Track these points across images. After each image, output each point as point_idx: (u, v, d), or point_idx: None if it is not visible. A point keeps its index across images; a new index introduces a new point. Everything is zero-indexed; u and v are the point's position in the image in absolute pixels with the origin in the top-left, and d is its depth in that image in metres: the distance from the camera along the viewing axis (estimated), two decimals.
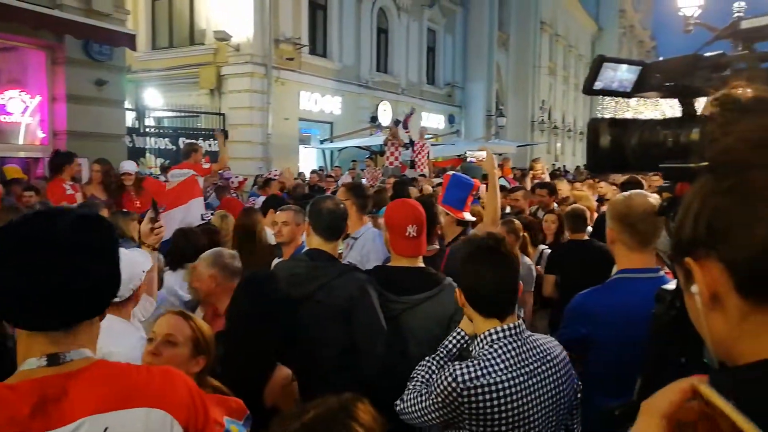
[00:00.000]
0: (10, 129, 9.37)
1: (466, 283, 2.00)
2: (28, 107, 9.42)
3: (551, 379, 1.93)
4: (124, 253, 2.19)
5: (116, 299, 2.06)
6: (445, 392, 1.84)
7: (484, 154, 3.74)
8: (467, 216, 3.68)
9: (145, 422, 1.27)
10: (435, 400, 1.88)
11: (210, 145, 14.86)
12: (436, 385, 1.88)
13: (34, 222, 1.26)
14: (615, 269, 2.37)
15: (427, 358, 2.16)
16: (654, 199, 2.17)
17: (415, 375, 2.12)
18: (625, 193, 2.38)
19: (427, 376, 2.07)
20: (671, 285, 1.02)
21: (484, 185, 4.88)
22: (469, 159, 6.73)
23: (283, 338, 2.59)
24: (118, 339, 2.01)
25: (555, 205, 6.13)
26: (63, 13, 8.78)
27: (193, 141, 10.77)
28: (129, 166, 6.93)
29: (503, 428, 1.83)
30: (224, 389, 1.93)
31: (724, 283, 0.62)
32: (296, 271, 2.73)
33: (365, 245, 3.72)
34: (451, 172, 5.08)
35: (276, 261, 3.61)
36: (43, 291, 1.20)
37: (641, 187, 4.78)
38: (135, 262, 2.21)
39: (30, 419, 1.16)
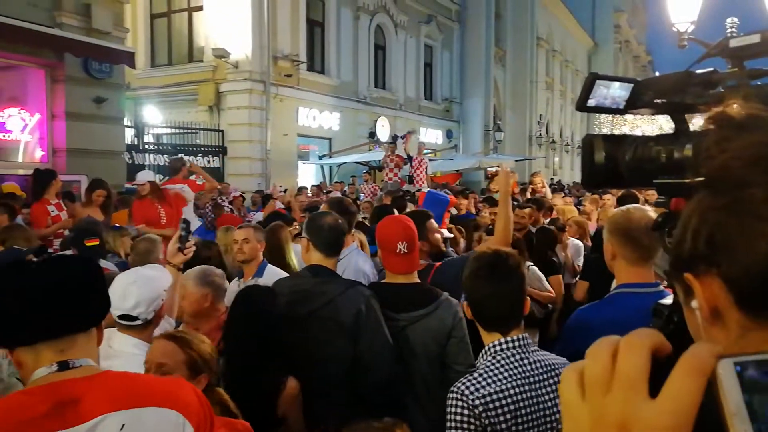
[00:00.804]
0: (10, 147, 9.40)
1: (470, 297, 2.02)
2: (27, 125, 9.45)
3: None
4: (143, 275, 2.19)
5: (138, 321, 2.07)
6: (457, 410, 1.81)
7: (501, 168, 3.64)
8: (445, 232, 3.72)
9: (158, 421, 1.31)
10: (452, 426, 1.82)
11: (209, 162, 14.92)
12: (447, 410, 1.84)
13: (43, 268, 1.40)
14: (614, 284, 2.36)
15: None
16: (653, 213, 2.17)
17: None
18: (623, 208, 2.39)
19: None
20: (668, 299, 1.02)
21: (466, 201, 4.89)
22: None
23: (288, 355, 2.58)
24: (133, 363, 1.98)
25: (545, 221, 6.13)
26: (63, 32, 8.85)
27: (179, 156, 10.75)
28: (142, 177, 6.79)
29: None
30: (231, 404, 1.91)
31: (724, 298, 0.62)
32: (300, 288, 2.71)
33: (346, 269, 3.39)
34: (426, 190, 5.10)
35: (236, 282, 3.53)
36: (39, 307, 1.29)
37: (637, 200, 4.80)
38: (155, 284, 2.18)
39: (48, 419, 1.21)
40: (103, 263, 3.77)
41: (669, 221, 0.80)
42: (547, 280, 4.61)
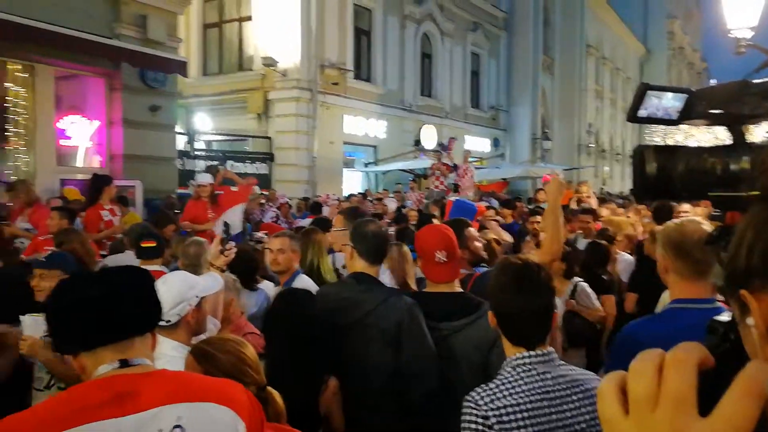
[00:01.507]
0: (70, 152, 9.84)
1: (495, 307, 1.95)
2: (86, 131, 9.87)
3: (585, 410, 1.84)
4: (173, 279, 2.25)
5: (164, 323, 2.12)
6: (470, 419, 1.77)
7: (553, 176, 3.48)
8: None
9: (213, 416, 1.37)
10: None
11: (257, 168, 15.22)
12: (461, 418, 1.80)
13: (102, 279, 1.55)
14: (667, 298, 2.29)
15: None
16: (708, 226, 2.09)
17: None
18: (677, 220, 2.31)
19: None
20: (724, 316, 0.99)
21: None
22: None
23: (331, 363, 2.60)
24: (173, 366, 2.03)
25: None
26: (121, 42, 9.21)
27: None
28: (204, 179, 7.12)
29: None
30: (279, 406, 1.93)
31: None
32: (344, 296, 2.72)
33: None
34: (453, 198, 4.99)
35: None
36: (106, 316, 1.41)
37: (672, 213, 4.61)
38: (181, 288, 2.22)
39: (109, 406, 1.29)
40: (158, 267, 3.89)
41: (724, 235, 0.78)
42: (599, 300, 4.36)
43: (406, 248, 3.51)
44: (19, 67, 9.04)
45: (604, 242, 5.05)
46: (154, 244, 4.06)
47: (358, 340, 2.59)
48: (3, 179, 8.98)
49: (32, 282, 2.99)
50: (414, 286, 3.32)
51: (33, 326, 2.73)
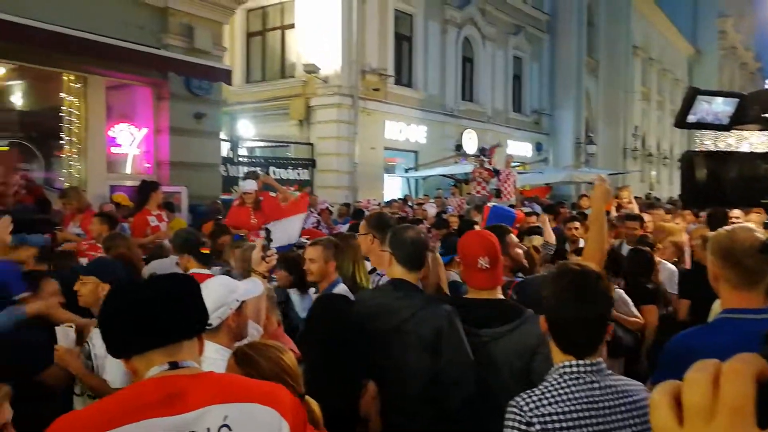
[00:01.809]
0: (119, 159, 10.16)
1: (548, 312, 1.89)
2: (135, 139, 10.19)
3: (633, 421, 1.78)
4: (215, 283, 2.29)
5: (207, 327, 2.16)
6: (513, 425, 1.73)
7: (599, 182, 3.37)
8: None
9: (259, 416, 1.42)
10: None
11: (299, 174, 15.41)
12: (504, 423, 1.77)
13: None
14: (718, 307, 2.20)
15: None
16: (761, 234, 2.01)
17: None
18: (729, 227, 2.22)
19: None
20: None
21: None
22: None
23: (369, 368, 2.61)
24: (216, 368, 2.06)
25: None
26: (168, 52, 9.47)
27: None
28: (249, 186, 7.27)
29: None
30: (316, 414, 1.94)
31: None
32: (381, 302, 2.72)
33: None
34: (491, 204, 4.87)
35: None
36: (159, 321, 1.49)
37: (727, 219, 4.45)
38: (221, 292, 2.26)
39: (159, 406, 1.35)
40: (206, 270, 3.98)
41: None
42: (639, 309, 4.21)
43: (437, 254, 3.49)
44: (73, 77, 9.40)
45: (647, 249, 4.89)
46: (209, 251, 4.16)
47: (395, 346, 2.59)
48: (56, 186, 9.34)
49: (75, 287, 3.07)
50: (447, 291, 3.30)
51: (65, 337, 2.82)
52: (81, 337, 2.94)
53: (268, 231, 2.91)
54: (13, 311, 3.22)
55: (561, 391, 1.76)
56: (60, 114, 9.53)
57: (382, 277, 3.30)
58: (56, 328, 2.85)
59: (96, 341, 2.78)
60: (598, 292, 1.84)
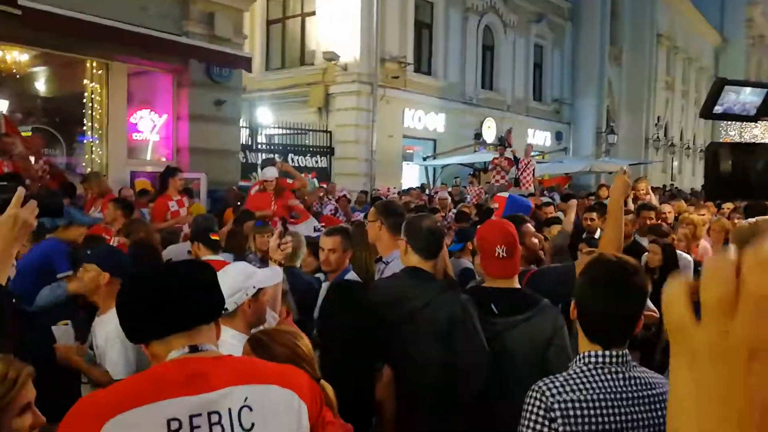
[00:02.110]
0: (141, 146, 10.27)
1: (580, 306, 1.86)
2: (155, 125, 10.28)
3: (657, 414, 1.76)
4: (231, 268, 2.31)
5: (223, 312, 2.18)
6: (533, 409, 1.73)
7: (620, 173, 3.32)
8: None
9: (278, 397, 1.46)
10: (525, 423, 1.75)
11: (317, 162, 15.44)
12: (524, 407, 1.77)
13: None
14: None
15: None
16: None
17: None
18: (752, 219, 2.19)
19: None
20: None
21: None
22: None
23: (384, 354, 2.62)
24: (233, 353, 2.09)
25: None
26: (189, 40, 9.51)
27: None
28: (270, 173, 7.36)
29: None
30: (331, 399, 1.95)
31: None
32: (396, 290, 2.72)
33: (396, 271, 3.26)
34: (506, 194, 4.80)
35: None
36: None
37: (766, 210, 4.36)
38: (238, 278, 2.28)
39: (182, 386, 1.38)
40: (221, 257, 4.01)
41: None
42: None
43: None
44: (96, 64, 9.50)
45: (670, 242, 4.81)
46: (218, 238, 4.19)
47: (410, 334, 2.59)
48: (78, 171, 9.46)
49: (78, 273, 3.02)
50: (452, 275, 3.29)
51: (64, 334, 2.84)
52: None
53: (284, 220, 2.91)
54: (57, 288, 3.29)
55: (584, 379, 1.75)
56: (83, 100, 9.64)
57: (387, 266, 3.29)
58: (52, 327, 2.84)
59: (97, 332, 2.78)
60: (632, 287, 1.80)
